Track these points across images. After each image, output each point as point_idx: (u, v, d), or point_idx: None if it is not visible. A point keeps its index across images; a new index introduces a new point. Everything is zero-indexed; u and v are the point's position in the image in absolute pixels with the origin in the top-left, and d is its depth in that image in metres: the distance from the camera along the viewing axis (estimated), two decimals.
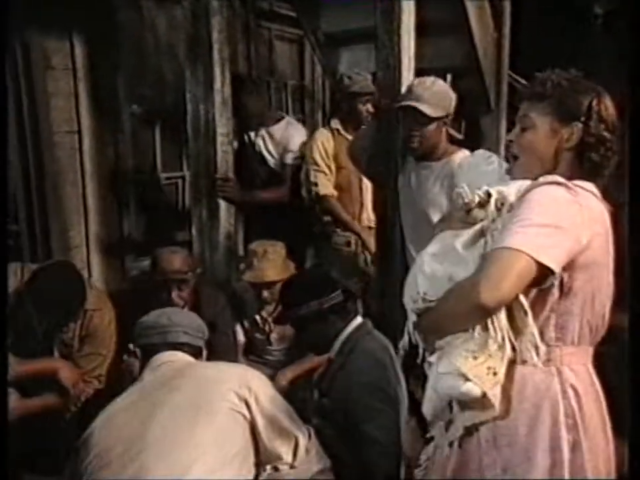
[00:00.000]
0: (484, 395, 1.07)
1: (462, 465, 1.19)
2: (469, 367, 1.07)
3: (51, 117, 2.71)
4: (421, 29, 2.23)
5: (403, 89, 2.15)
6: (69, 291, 1.89)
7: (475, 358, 1.07)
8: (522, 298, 1.07)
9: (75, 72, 2.81)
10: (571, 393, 1.13)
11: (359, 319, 1.80)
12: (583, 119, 1.18)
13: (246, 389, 1.38)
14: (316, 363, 2.06)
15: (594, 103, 1.18)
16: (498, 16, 2.99)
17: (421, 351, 1.24)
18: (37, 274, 1.88)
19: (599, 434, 1.17)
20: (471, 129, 3.14)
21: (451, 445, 1.20)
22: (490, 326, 1.07)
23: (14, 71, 2.59)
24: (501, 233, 1.08)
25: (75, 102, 2.83)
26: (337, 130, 2.90)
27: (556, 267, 1.05)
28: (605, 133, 1.19)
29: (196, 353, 1.61)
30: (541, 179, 1.15)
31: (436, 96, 2.07)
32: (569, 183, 1.12)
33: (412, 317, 1.21)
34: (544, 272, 1.05)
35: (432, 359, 1.20)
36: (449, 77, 4.39)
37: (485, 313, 1.06)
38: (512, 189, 1.15)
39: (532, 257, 1.02)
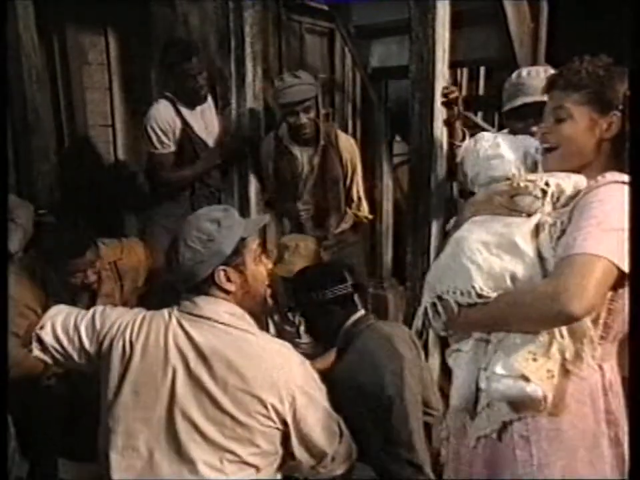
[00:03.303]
0: (545, 397, 1.06)
1: (492, 459, 1.17)
2: (530, 370, 1.05)
3: (86, 111, 2.77)
4: (456, 20, 2.19)
5: (438, 82, 2.11)
6: (67, 236, 1.92)
7: (535, 360, 1.05)
8: None
9: (109, 67, 2.86)
10: (610, 388, 1.12)
11: (360, 312, 1.78)
12: (621, 107, 1.13)
13: (288, 402, 1.27)
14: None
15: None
16: (534, 5, 2.91)
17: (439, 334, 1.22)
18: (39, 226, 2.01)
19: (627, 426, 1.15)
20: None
21: (478, 438, 1.18)
22: (556, 331, 1.06)
23: (51, 66, 2.66)
24: (577, 235, 1.03)
25: (109, 96, 2.88)
26: (281, 139, 2.47)
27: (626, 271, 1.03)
28: None
29: None
30: (608, 176, 1.11)
31: None
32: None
33: (426, 299, 1.16)
34: (620, 276, 1.03)
35: (460, 346, 1.19)
36: (482, 69, 4.32)
37: (569, 321, 1.02)
38: (569, 184, 1.12)
39: (613, 263, 1.00)
